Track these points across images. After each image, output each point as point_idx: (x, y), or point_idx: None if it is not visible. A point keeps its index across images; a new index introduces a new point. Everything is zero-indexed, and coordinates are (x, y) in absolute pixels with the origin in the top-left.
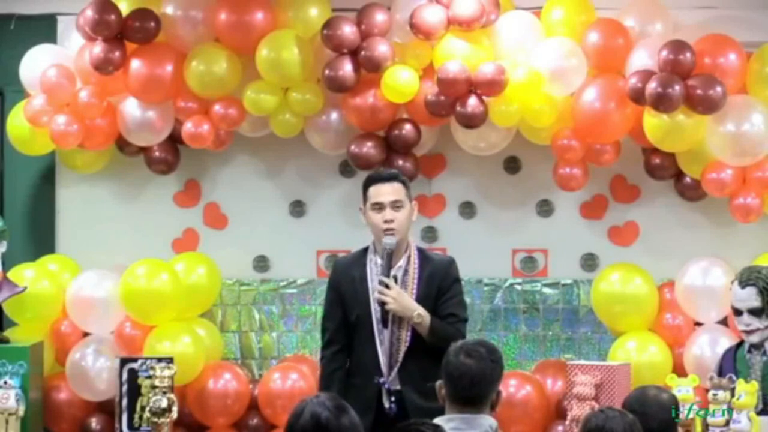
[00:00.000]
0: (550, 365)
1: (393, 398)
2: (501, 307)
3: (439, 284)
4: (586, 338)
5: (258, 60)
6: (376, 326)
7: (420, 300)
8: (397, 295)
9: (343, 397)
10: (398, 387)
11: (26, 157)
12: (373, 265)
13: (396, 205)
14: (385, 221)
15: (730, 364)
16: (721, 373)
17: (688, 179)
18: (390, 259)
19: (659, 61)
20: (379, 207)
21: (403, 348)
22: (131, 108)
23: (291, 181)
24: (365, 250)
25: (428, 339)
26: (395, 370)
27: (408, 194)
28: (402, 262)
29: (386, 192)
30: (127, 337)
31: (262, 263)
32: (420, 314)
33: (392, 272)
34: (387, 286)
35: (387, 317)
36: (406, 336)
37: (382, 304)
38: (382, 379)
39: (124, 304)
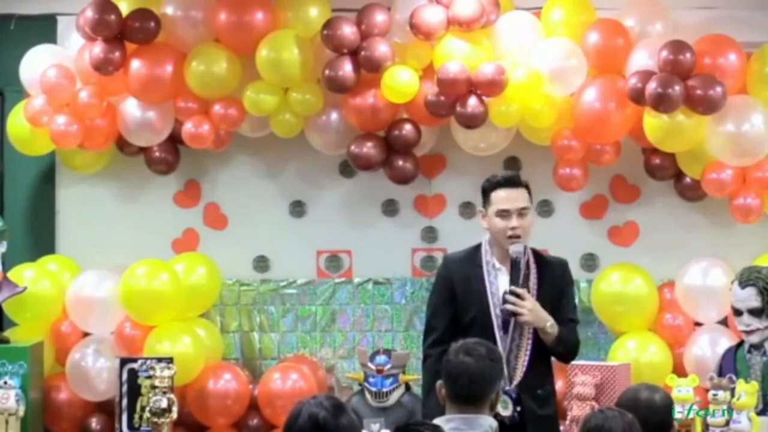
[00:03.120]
0: None
1: (519, 407)
2: None
3: (560, 287)
4: (586, 338)
5: (258, 60)
6: (497, 332)
7: (540, 303)
8: (533, 306)
9: None
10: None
11: (26, 157)
12: (491, 267)
13: (522, 212)
14: (512, 228)
15: (730, 364)
16: (721, 373)
17: (688, 179)
18: (519, 267)
19: (659, 61)
20: (506, 214)
21: (522, 356)
22: (131, 108)
23: (291, 181)
24: (477, 247)
25: (553, 347)
26: (517, 378)
27: (530, 198)
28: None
29: (513, 198)
30: (127, 337)
31: (262, 263)
32: (552, 324)
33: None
34: (518, 296)
35: (509, 324)
36: (527, 344)
37: (514, 314)
38: (506, 387)
39: (124, 304)
